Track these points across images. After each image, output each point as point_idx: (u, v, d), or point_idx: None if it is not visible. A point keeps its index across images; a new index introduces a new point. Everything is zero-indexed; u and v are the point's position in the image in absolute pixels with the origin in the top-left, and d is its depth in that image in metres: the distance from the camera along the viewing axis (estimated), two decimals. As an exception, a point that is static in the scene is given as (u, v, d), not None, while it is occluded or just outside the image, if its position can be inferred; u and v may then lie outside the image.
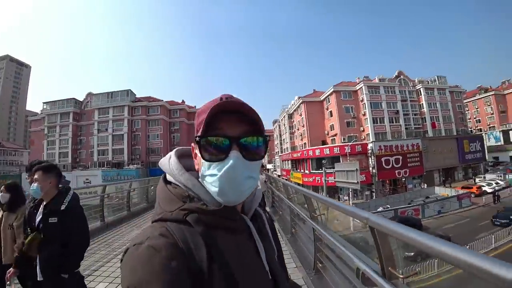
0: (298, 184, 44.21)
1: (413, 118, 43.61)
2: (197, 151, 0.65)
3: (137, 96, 50.98)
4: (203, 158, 0.62)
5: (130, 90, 49.49)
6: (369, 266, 1.45)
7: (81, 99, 51.57)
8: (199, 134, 0.62)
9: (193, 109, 53.43)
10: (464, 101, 52.09)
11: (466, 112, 51.48)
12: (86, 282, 3.74)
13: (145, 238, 0.55)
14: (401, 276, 1.30)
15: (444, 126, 44.59)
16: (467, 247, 14.20)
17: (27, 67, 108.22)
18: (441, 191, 33.21)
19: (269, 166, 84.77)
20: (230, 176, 0.60)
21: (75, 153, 48.79)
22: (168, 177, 0.69)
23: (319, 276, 2.66)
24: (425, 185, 36.65)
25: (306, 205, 3.22)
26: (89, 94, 51.26)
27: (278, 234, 4.27)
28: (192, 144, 0.67)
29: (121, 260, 0.56)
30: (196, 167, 0.67)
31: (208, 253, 0.56)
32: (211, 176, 0.61)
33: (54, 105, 50.87)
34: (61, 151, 48.54)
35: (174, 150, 0.73)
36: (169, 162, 0.70)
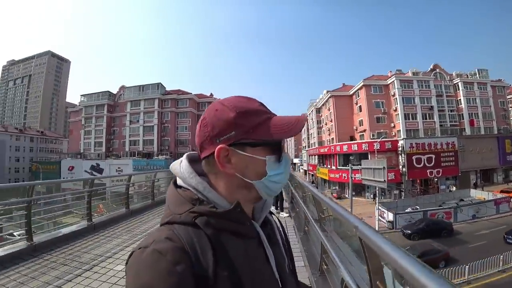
0: (324, 180, 43.73)
1: (449, 114, 40.95)
2: (257, 156, 0.62)
3: (167, 89, 52.43)
4: (281, 159, 0.65)
5: (160, 83, 51.07)
6: (353, 278, 1.40)
7: (114, 92, 54.28)
8: (270, 137, 0.62)
9: (221, 103, 54.18)
10: (508, 96, 47.91)
11: (510, 109, 47.41)
12: (105, 264, 3.97)
13: (150, 242, 0.54)
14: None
15: (484, 123, 41.30)
16: (501, 256, 13.15)
17: (67, 61, 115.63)
18: (477, 194, 30.93)
19: (296, 160, 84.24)
20: (288, 171, 0.68)
21: (108, 143, 51.69)
22: (178, 181, 0.68)
23: (323, 277, 2.62)
24: (454, 187, 34.41)
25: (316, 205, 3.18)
26: (122, 87, 53.78)
27: (292, 231, 4.21)
28: (222, 146, 0.61)
29: (126, 263, 0.55)
30: (231, 171, 0.62)
31: (214, 257, 0.55)
32: (279, 175, 0.64)
33: (90, 97, 54.21)
34: (96, 141, 51.70)
35: (185, 154, 0.74)
36: (180, 165, 0.69)
